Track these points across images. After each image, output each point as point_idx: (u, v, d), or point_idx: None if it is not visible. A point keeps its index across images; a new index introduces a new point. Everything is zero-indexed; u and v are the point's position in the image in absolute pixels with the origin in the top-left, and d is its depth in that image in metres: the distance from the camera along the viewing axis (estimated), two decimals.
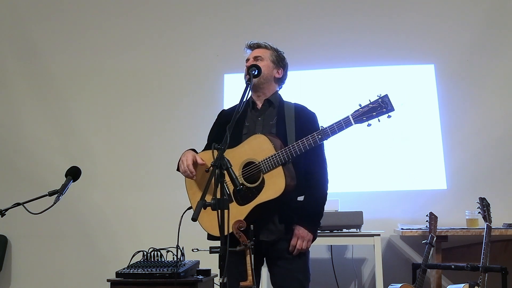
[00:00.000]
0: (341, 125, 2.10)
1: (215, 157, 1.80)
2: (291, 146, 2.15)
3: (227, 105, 4.36)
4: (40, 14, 4.79)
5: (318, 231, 3.52)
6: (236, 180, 1.88)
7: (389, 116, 2.03)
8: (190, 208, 2.39)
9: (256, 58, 2.45)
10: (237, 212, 2.14)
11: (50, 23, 4.77)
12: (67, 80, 4.66)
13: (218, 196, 1.73)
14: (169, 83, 4.55)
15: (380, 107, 2.04)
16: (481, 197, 3.28)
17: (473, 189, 3.81)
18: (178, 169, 2.38)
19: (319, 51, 4.36)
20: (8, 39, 4.78)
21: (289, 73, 4.58)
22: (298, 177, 2.22)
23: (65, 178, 2.33)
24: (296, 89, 4.32)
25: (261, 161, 2.18)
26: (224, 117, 2.51)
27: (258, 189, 2.18)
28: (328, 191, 2.35)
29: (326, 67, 4.35)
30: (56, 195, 2.24)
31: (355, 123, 2.07)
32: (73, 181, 2.36)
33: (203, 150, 2.47)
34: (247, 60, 2.47)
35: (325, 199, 2.34)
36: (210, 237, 2.29)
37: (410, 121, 4.15)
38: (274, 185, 2.14)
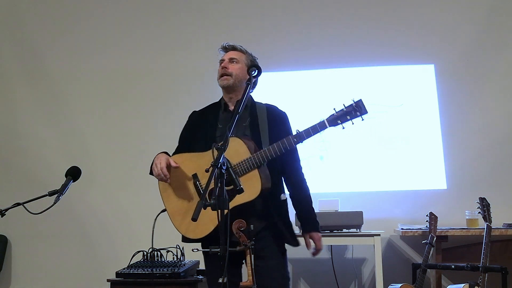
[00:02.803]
0: (316, 129, 2.16)
1: (215, 157, 1.80)
2: (267, 149, 2.18)
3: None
4: (40, 14, 4.79)
5: None
6: (236, 180, 1.88)
7: (362, 119, 2.11)
8: (164, 210, 2.43)
9: (231, 60, 2.49)
10: (215, 214, 2.14)
11: (50, 23, 4.76)
12: (67, 80, 4.65)
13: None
14: (169, 83, 4.55)
15: (354, 110, 2.11)
16: (481, 197, 3.28)
17: (473, 189, 3.81)
18: (151, 173, 2.39)
19: (319, 51, 4.36)
20: (8, 39, 4.78)
21: (290, 73, 4.60)
22: (274, 176, 2.27)
23: (65, 178, 2.33)
24: (296, 89, 4.32)
25: (236, 164, 2.19)
26: (196, 118, 2.55)
27: (234, 192, 2.15)
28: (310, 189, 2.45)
29: (326, 67, 4.35)
30: (56, 195, 2.24)
31: (329, 126, 2.15)
32: (73, 181, 2.36)
33: (174, 153, 2.49)
34: (222, 60, 2.51)
35: (310, 196, 2.43)
36: (185, 239, 2.35)
37: (410, 121, 4.15)
38: (250, 187, 2.14)
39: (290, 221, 2.41)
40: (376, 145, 4.16)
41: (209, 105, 2.59)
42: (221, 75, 2.47)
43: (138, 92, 4.58)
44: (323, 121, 2.14)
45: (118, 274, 2.97)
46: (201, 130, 2.45)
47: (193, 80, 4.50)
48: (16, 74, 4.71)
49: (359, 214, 3.55)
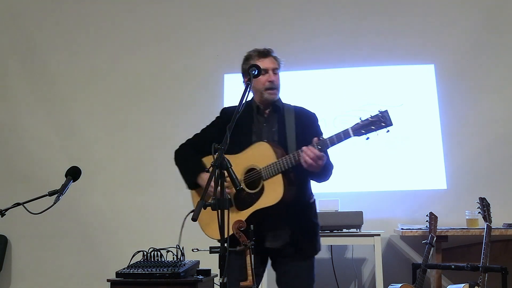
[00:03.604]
0: (340, 137, 2.11)
1: (215, 157, 1.80)
2: (292, 154, 2.16)
3: (227, 105, 4.36)
4: (40, 14, 4.79)
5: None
6: (236, 180, 1.89)
7: (387, 131, 2.07)
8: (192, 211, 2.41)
9: (274, 71, 2.38)
10: (236, 217, 2.17)
11: (50, 23, 4.76)
12: (67, 80, 4.66)
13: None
14: (169, 83, 4.55)
15: (379, 121, 2.07)
16: (481, 197, 3.28)
17: (473, 189, 3.81)
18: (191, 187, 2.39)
19: (319, 51, 4.36)
20: (8, 39, 4.78)
21: (289, 73, 4.59)
22: (302, 178, 2.24)
23: (65, 178, 2.32)
24: (296, 89, 4.32)
25: (262, 168, 2.21)
26: (227, 116, 2.44)
27: (257, 195, 2.21)
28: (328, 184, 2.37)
29: (326, 67, 4.35)
30: (56, 195, 2.23)
31: (353, 135, 2.09)
32: (73, 181, 2.35)
33: (192, 142, 2.50)
34: (265, 70, 2.32)
35: (330, 174, 2.32)
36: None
37: (410, 121, 4.15)
38: (273, 192, 2.17)
39: (315, 228, 2.38)
40: (376, 145, 4.15)
41: (241, 103, 2.52)
42: (269, 88, 2.35)
43: (138, 92, 4.58)
44: (348, 129, 2.10)
45: (118, 274, 2.96)
46: (235, 132, 2.41)
47: (194, 80, 4.51)
48: (16, 74, 4.72)
49: (359, 214, 3.55)
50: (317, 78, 4.35)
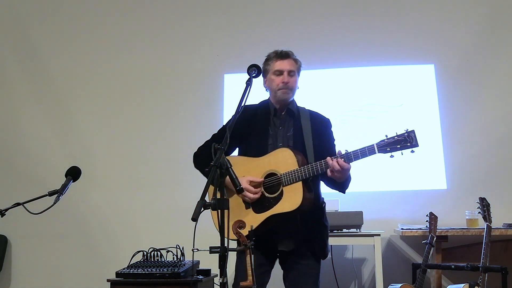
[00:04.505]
0: (365, 152, 2.15)
1: (215, 157, 1.81)
2: (314, 164, 2.20)
3: (227, 105, 4.37)
4: (40, 14, 4.79)
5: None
6: (236, 180, 1.89)
7: (412, 151, 2.09)
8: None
9: (289, 73, 2.41)
10: (252, 219, 2.22)
11: (50, 23, 4.77)
12: (67, 80, 4.66)
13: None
14: (169, 83, 4.55)
15: (405, 141, 2.11)
16: (481, 197, 3.28)
17: (473, 189, 3.81)
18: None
19: (319, 51, 4.35)
20: (8, 39, 4.78)
21: None
22: (316, 190, 2.31)
23: (65, 178, 2.33)
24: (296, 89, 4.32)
25: (283, 174, 2.24)
26: (249, 117, 2.43)
27: (276, 200, 2.25)
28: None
29: (326, 67, 4.35)
30: (56, 195, 2.24)
31: (378, 152, 2.13)
32: (73, 181, 2.36)
33: (213, 141, 2.47)
34: (280, 72, 2.40)
35: (348, 186, 2.38)
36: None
37: (410, 121, 4.13)
38: (291, 198, 2.20)
39: (326, 230, 2.43)
40: None
41: (260, 104, 2.51)
42: (281, 88, 2.40)
43: (138, 92, 4.58)
44: (373, 145, 2.13)
45: (118, 274, 2.97)
46: (253, 133, 2.43)
47: (194, 80, 4.51)
48: (16, 74, 4.72)
49: (359, 214, 3.55)
50: (317, 78, 4.34)
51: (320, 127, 2.43)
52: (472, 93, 4.15)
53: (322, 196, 2.44)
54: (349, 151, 2.17)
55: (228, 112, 4.27)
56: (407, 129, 2.11)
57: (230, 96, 4.37)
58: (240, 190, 1.90)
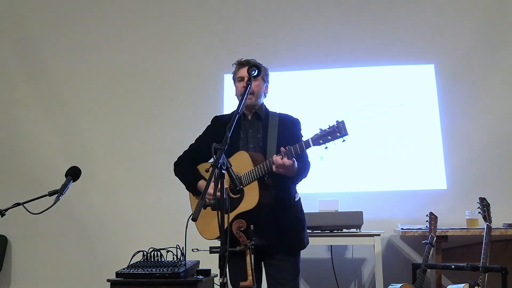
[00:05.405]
0: (302, 146, 2.25)
1: (215, 157, 1.81)
2: (265, 163, 2.30)
3: (227, 105, 4.38)
4: (40, 14, 4.79)
5: (318, 231, 3.53)
6: (236, 180, 1.89)
7: (343, 141, 2.18)
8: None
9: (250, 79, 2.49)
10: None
11: (50, 23, 4.76)
12: (67, 80, 4.66)
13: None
14: (169, 83, 4.55)
15: (334, 132, 2.17)
16: (481, 197, 3.28)
17: (473, 189, 3.81)
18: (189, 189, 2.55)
19: (319, 51, 4.36)
20: (8, 39, 4.78)
21: (289, 73, 4.60)
22: (280, 186, 2.37)
23: (65, 178, 2.33)
24: (297, 89, 4.32)
25: (242, 175, 2.33)
26: (219, 126, 2.56)
27: (240, 200, 2.35)
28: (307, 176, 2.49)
29: (326, 67, 4.35)
30: (56, 195, 2.24)
31: (313, 145, 2.22)
32: (73, 181, 2.36)
33: (189, 153, 2.66)
34: (241, 78, 2.53)
35: (305, 175, 2.46)
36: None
37: (410, 121, 4.15)
38: (250, 197, 2.31)
39: (301, 223, 2.51)
40: (376, 145, 4.15)
41: (232, 113, 2.58)
42: (242, 94, 2.45)
43: (138, 92, 4.58)
44: (308, 140, 2.24)
45: (118, 274, 2.97)
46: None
47: (194, 80, 4.51)
48: (16, 73, 4.72)
49: (359, 214, 3.55)
50: (317, 78, 4.34)
51: (288, 127, 2.52)
52: (472, 93, 4.15)
53: (297, 192, 2.52)
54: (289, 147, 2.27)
55: (227, 112, 4.26)
56: (337, 120, 2.18)
57: (230, 96, 4.37)
58: (240, 190, 1.91)
